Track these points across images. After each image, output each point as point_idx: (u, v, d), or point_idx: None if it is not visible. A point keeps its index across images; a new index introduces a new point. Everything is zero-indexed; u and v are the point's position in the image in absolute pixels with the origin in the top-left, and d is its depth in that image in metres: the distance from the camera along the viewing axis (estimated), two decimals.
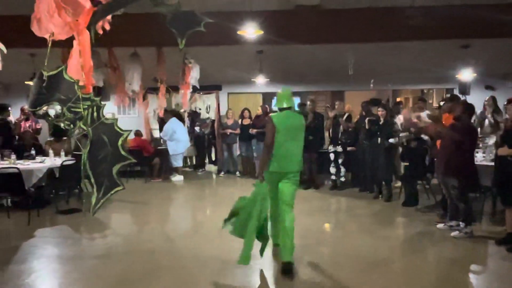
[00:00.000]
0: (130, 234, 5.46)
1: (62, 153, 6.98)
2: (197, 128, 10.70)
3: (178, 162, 9.46)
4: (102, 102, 1.93)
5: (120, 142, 1.91)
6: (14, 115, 8.87)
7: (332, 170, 7.82)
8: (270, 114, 4.30)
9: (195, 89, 8.56)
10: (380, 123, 6.87)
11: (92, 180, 1.87)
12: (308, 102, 8.14)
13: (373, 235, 5.08)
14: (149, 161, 9.29)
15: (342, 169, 7.76)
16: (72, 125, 1.86)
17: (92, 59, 3.83)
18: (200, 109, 10.77)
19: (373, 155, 6.93)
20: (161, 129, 9.89)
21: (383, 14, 6.79)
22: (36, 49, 6.96)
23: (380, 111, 6.91)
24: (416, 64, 9.06)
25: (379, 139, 6.83)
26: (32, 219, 5.77)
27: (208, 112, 10.49)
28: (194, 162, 11.46)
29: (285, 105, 3.91)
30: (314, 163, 7.92)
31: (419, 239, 5.00)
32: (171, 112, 9.57)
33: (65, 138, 7.75)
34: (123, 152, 1.92)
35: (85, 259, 4.36)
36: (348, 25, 6.82)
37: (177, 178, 9.40)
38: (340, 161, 7.74)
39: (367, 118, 7.16)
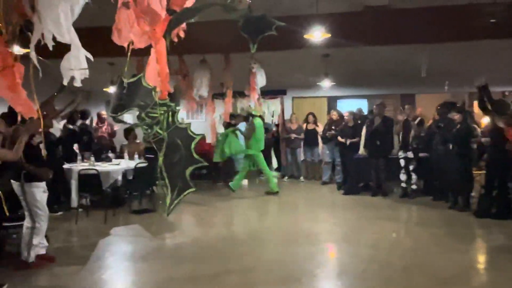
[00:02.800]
0: (198, 236, 5.63)
1: (136, 156, 7.38)
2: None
3: (240, 166, 9.56)
4: (177, 108, 2.02)
5: (193, 146, 1.98)
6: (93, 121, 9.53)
7: (402, 177, 7.46)
8: None
9: (261, 94, 8.64)
10: (457, 127, 6.43)
11: (167, 182, 1.94)
12: (374, 106, 7.86)
13: (447, 248, 4.74)
14: (214, 164, 9.52)
15: (414, 176, 7.37)
16: (149, 130, 1.95)
17: None
18: (263, 114, 10.85)
19: (449, 161, 6.49)
20: None
21: (457, 12, 6.38)
22: (115, 58, 7.47)
23: (455, 115, 6.47)
24: (496, 64, 8.38)
25: (451, 144, 6.39)
26: (108, 218, 6.18)
27: (272, 117, 10.55)
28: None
29: None
30: (382, 169, 7.62)
31: (499, 254, 4.58)
32: (241, 117, 9.72)
33: (138, 141, 8.21)
34: (195, 155, 1.98)
35: (156, 258, 4.56)
36: (419, 25, 6.49)
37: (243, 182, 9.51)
38: (411, 167, 7.36)
39: (438, 123, 6.75)
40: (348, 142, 8.00)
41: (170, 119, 1.97)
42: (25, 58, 2.11)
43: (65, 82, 2.47)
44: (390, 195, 7.69)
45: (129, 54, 2.00)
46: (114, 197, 6.76)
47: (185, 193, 1.90)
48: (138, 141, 8.30)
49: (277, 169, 10.56)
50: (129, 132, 7.93)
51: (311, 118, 9.50)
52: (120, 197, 7.04)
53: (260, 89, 8.31)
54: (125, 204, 7.00)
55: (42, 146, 4.30)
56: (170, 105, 1.99)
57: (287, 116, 10.31)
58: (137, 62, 7.15)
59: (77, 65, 2.31)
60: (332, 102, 11.14)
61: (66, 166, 6.67)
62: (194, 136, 2.01)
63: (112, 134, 8.96)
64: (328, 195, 8.33)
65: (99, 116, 9.06)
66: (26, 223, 4.24)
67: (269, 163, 10.84)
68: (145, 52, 2.32)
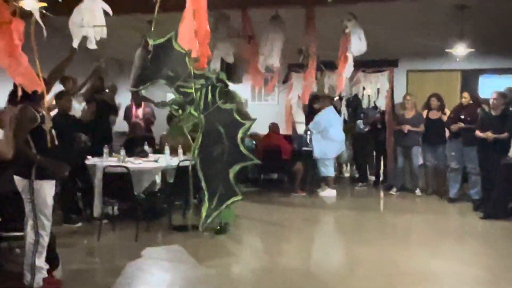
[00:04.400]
0: (260, 266, 5.64)
1: (180, 151, 7.64)
2: (359, 123, 10.63)
3: (329, 170, 9.53)
4: (231, 84, 2.04)
5: (240, 135, 2.00)
6: (124, 99, 9.99)
7: None
8: None
9: (359, 66, 8.53)
10: None
11: (203, 185, 1.99)
12: None
13: None
14: (289, 167, 9.58)
15: None
16: (180, 110, 2.02)
17: (220, 25, 4.17)
18: (362, 95, 10.70)
19: None
20: (308, 122, 10.08)
21: None
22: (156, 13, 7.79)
23: None
24: None
25: None
26: (140, 234, 6.42)
27: (376, 100, 10.37)
28: (350, 171, 11.43)
29: None
30: None
31: None
32: (328, 98, 9.68)
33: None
34: (243, 149, 2.00)
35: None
36: None
37: (328, 192, 9.48)
38: None
39: None
40: (491, 139, 7.64)
41: (209, 96, 2.01)
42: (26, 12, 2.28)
43: (74, 44, 2.62)
44: None
45: (157, 4, 2.06)
46: (149, 206, 7.05)
47: (229, 201, 1.93)
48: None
49: (377, 178, 10.34)
50: (172, 118, 8.24)
51: (435, 102, 9.17)
52: (157, 206, 7.35)
53: (357, 58, 8.19)
54: (164, 216, 7.25)
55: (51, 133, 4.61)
56: (209, 77, 2.03)
57: (398, 98, 10.04)
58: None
59: (90, 20, 2.44)
60: (469, 78, 10.68)
61: (89, 161, 7.10)
62: (242, 122, 2.04)
63: (150, 120, 9.39)
64: (457, 219, 8.05)
65: (134, 95, 9.51)
66: (29, 237, 4.52)
67: (366, 168, 10.71)
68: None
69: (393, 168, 9.91)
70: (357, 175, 10.93)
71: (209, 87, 2.00)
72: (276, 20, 8.07)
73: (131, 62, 10.24)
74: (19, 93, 4.08)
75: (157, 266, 5.59)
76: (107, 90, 8.33)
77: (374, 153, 10.56)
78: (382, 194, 9.86)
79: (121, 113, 9.39)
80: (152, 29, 2.11)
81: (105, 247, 6.28)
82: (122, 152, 7.43)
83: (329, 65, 9.02)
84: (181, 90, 1.98)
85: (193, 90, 1.93)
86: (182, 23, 2.11)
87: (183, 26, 2.09)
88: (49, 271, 4.66)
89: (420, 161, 9.54)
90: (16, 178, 4.52)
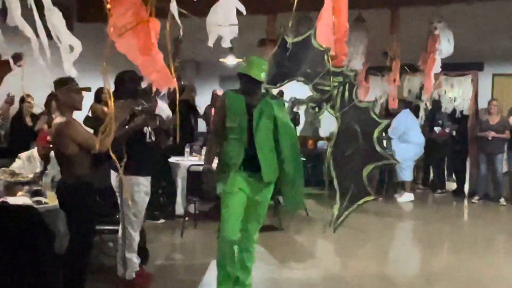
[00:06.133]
0: (334, 269, 5.72)
1: None
2: (437, 129, 10.36)
3: (407, 175, 9.38)
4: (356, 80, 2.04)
5: (376, 135, 1.99)
6: (205, 100, 10.20)
7: None
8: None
9: (441, 69, 8.35)
10: None
11: (336, 183, 2.00)
12: None
13: None
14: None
15: None
16: (317, 108, 2.03)
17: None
18: (439, 99, 10.43)
19: None
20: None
21: None
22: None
23: None
24: None
25: None
26: None
27: (455, 103, 10.10)
28: (428, 176, 11.15)
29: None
30: None
31: None
32: (404, 102, 9.54)
33: None
34: (379, 149, 1.99)
35: None
36: None
37: (405, 197, 9.33)
38: None
39: None
40: None
41: (346, 94, 2.02)
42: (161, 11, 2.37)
43: (210, 43, 2.70)
44: None
45: (295, 3, 2.09)
46: None
47: (361, 201, 1.92)
48: None
49: (459, 186, 10.03)
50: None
51: None
52: None
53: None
54: None
55: (148, 130, 4.77)
56: (348, 74, 2.03)
57: (482, 103, 9.75)
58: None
59: (225, 20, 2.51)
60: None
61: (172, 159, 7.29)
62: (379, 121, 2.03)
63: None
64: None
65: (214, 96, 9.67)
66: (120, 231, 4.72)
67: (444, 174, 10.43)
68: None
69: (475, 176, 9.60)
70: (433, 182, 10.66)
71: (346, 85, 2.00)
72: (360, 22, 8.01)
73: (208, 64, 10.40)
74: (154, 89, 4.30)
75: None
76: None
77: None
78: (464, 202, 9.58)
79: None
80: (290, 25, 2.14)
81: (188, 244, 6.47)
82: (203, 151, 7.56)
83: (410, 67, 8.87)
84: (319, 87, 1.99)
85: (331, 88, 1.94)
86: (320, 21, 2.13)
87: (322, 23, 2.10)
88: (140, 265, 4.82)
89: (505, 169, 9.22)
90: (112, 172, 4.71)
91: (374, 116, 1.99)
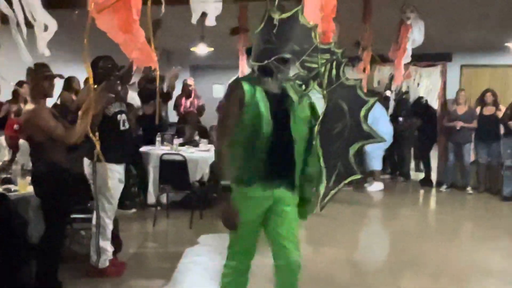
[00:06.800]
0: (307, 257, 5.69)
1: None
2: (402, 119, 10.50)
3: (376, 164, 9.47)
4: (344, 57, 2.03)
5: (363, 113, 1.99)
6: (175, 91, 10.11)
7: None
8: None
9: (411, 59, 8.43)
10: None
11: (322, 162, 1.98)
12: None
13: None
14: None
15: None
16: (304, 86, 2.01)
17: None
18: (406, 92, 10.57)
19: None
20: None
21: None
22: None
23: None
24: None
25: None
26: (194, 221, 6.53)
27: (424, 94, 10.25)
28: (396, 166, 11.31)
29: None
30: None
31: None
32: (373, 92, 9.62)
33: None
34: (365, 127, 1.99)
35: (257, 278, 4.75)
36: None
37: (375, 186, 9.44)
38: None
39: None
40: None
41: (333, 72, 2.00)
42: None
43: (193, 20, 2.65)
44: None
45: None
46: (201, 195, 7.14)
47: (347, 180, 1.91)
48: None
49: (427, 176, 10.17)
50: None
51: (489, 97, 8.99)
52: (207, 195, 7.44)
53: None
54: (213, 206, 7.36)
55: (122, 117, 4.71)
56: (335, 51, 2.02)
57: (451, 93, 9.91)
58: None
59: None
60: None
61: (143, 148, 7.21)
62: (366, 99, 2.02)
63: (200, 109, 9.45)
64: None
65: (184, 85, 9.59)
66: (93, 219, 4.66)
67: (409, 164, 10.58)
68: None
69: (444, 165, 9.76)
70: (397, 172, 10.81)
71: (334, 62, 1.98)
72: None
73: (179, 53, 10.24)
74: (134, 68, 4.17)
75: (215, 253, 5.66)
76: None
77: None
78: (432, 191, 9.73)
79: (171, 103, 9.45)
80: (276, 3, 2.11)
81: (161, 233, 6.44)
82: (176, 140, 7.52)
83: (380, 58, 8.92)
84: (306, 65, 1.97)
85: (318, 65, 1.92)
86: None
87: (309, 0, 2.09)
88: (113, 254, 4.77)
89: (472, 158, 9.38)
90: (85, 160, 4.63)
91: (361, 94, 1.99)
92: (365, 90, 7.15)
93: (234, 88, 2.82)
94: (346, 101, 2.03)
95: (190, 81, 9.66)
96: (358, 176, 1.96)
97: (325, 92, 2.02)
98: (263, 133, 2.77)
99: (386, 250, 6.39)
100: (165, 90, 8.15)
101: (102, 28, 2.27)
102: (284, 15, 2.10)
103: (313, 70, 2.03)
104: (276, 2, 2.04)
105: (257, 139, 2.81)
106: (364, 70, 8.19)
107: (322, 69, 2.02)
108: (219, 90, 13.01)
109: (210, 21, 2.76)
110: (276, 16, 2.12)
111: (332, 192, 1.94)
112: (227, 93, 2.86)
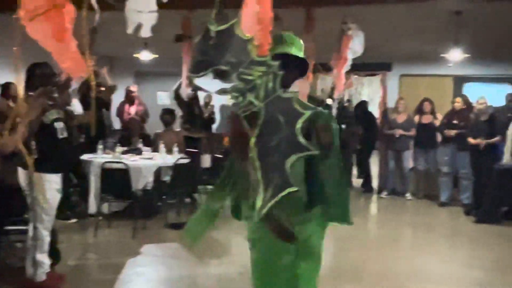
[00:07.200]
0: (249, 264, 5.71)
1: (175, 149, 7.61)
2: (343, 127, 10.66)
3: None
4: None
5: (299, 125, 1.98)
6: (118, 97, 9.93)
7: None
8: None
9: (352, 69, 8.58)
10: None
11: (259, 174, 1.97)
12: None
13: None
14: None
15: None
16: (241, 98, 1.99)
17: None
18: (348, 100, 10.74)
19: None
20: None
21: None
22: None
23: None
24: None
25: None
26: (136, 231, 6.43)
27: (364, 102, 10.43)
28: None
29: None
30: None
31: None
32: (315, 100, 9.73)
33: (178, 129, 8.47)
34: (301, 140, 1.99)
35: None
36: None
37: None
38: None
39: None
40: (483, 145, 7.81)
41: (270, 84, 1.99)
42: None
43: (129, 30, 2.60)
44: None
45: None
46: (146, 204, 7.02)
47: (284, 192, 1.90)
48: (177, 129, 8.57)
49: (366, 181, 10.35)
50: (168, 113, 8.19)
51: (427, 106, 9.28)
52: (151, 204, 7.32)
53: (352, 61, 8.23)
54: (158, 214, 7.27)
55: (60, 125, 4.57)
56: (271, 64, 2.01)
57: (390, 102, 10.15)
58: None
59: (146, 6, 2.41)
60: (460, 83, 10.86)
61: (84, 156, 7.03)
62: (302, 111, 2.02)
63: (144, 116, 9.32)
64: (449, 223, 8.16)
65: (127, 92, 9.44)
66: (30, 231, 4.49)
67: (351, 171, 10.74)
68: None
69: (384, 172, 9.97)
70: None
71: (270, 75, 1.97)
72: (276, 21, 8.04)
73: (122, 59, 10.08)
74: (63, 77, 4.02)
75: (158, 263, 5.59)
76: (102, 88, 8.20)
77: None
78: (373, 197, 9.92)
79: (114, 110, 9.28)
80: (214, 14, 2.09)
81: (103, 243, 6.28)
82: (118, 148, 7.39)
83: (323, 66, 9.03)
84: (243, 77, 1.95)
85: (255, 77, 1.90)
86: (244, 9, 2.09)
87: (246, 12, 2.06)
88: (51, 266, 4.62)
89: (411, 165, 9.63)
90: (19, 170, 4.47)
91: (297, 107, 1.98)
92: (305, 96, 7.25)
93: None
94: (282, 113, 2.02)
95: (134, 88, 9.52)
96: (295, 189, 1.95)
97: (262, 104, 2.01)
98: None
99: (327, 257, 6.42)
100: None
101: (34, 36, 2.19)
102: (221, 27, 2.09)
103: (250, 83, 2.02)
104: (213, 14, 2.01)
105: None
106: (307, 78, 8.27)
107: (260, 81, 2.02)
108: (163, 97, 12.87)
109: (145, 32, 2.71)
110: (213, 28, 2.10)
111: (270, 204, 1.93)
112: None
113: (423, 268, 5.60)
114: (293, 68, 2.72)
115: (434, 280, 5.26)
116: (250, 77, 2.00)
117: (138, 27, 2.61)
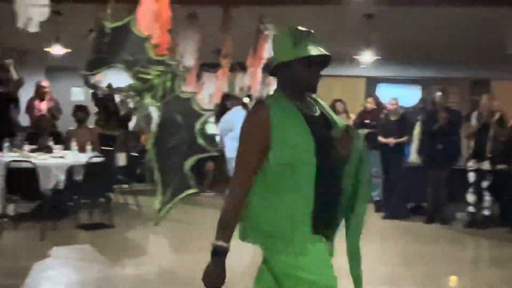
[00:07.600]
0: (169, 265, 5.61)
1: (89, 147, 7.34)
2: None
3: None
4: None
5: (198, 126, 1.95)
6: (28, 92, 9.49)
7: (471, 198, 7.47)
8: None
9: (268, 68, 8.63)
10: None
11: (157, 176, 1.91)
12: (438, 94, 7.86)
13: None
14: (199, 166, 9.48)
15: (487, 197, 7.38)
16: (138, 97, 1.93)
17: None
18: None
19: None
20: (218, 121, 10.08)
21: None
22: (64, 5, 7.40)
23: None
24: None
25: None
26: (46, 233, 6.13)
27: None
28: None
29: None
30: (443, 185, 7.62)
31: None
32: (236, 99, 9.71)
33: (92, 126, 8.19)
34: (201, 141, 1.95)
35: None
36: None
37: None
38: (484, 184, 7.37)
39: None
40: (392, 143, 8.06)
41: (168, 84, 1.93)
42: None
43: (19, 24, 2.45)
44: (452, 223, 7.68)
45: None
46: (56, 204, 6.74)
47: (183, 194, 1.85)
48: (91, 126, 8.29)
49: None
50: (81, 110, 7.90)
51: (340, 106, 9.46)
52: (62, 204, 7.04)
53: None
54: (69, 215, 6.98)
55: None
56: (170, 63, 1.96)
57: None
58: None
59: (36, 0, 2.28)
60: (373, 84, 11.16)
61: None
62: (201, 112, 1.98)
63: (55, 113, 8.96)
64: None
65: (38, 87, 9.02)
66: None
67: None
68: None
69: None
70: None
71: (168, 74, 1.91)
72: (192, 18, 8.01)
73: (32, 53, 9.65)
74: None
75: (68, 266, 5.40)
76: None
77: None
78: None
79: (23, 106, 8.84)
80: (109, 11, 2.00)
81: (9, 246, 5.99)
82: (25, 147, 7.06)
83: (241, 65, 9.06)
84: (140, 76, 1.88)
85: (153, 77, 1.84)
86: (140, 7, 2.02)
87: (142, 10, 2.00)
88: None
89: None
90: None
91: (196, 108, 1.94)
92: (227, 95, 7.23)
93: (258, 111, 1.93)
94: (181, 114, 1.99)
95: (45, 83, 9.11)
96: (194, 191, 1.91)
97: (159, 104, 1.96)
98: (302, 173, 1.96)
99: (243, 253, 6.44)
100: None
101: None
102: (116, 24, 2.02)
103: (147, 82, 1.96)
104: (108, 10, 1.94)
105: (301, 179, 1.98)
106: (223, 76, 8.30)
107: (157, 81, 1.96)
108: (77, 93, 12.42)
109: (33, 27, 2.58)
110: (108, 25, 2.03)
111: (168, 206, 1.88)
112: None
113: (334, 265, 5.70)
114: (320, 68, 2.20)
115: (343, 275, 5.37)
116: (147, 76, 1.95)
117: (28, 20, 2.49)
